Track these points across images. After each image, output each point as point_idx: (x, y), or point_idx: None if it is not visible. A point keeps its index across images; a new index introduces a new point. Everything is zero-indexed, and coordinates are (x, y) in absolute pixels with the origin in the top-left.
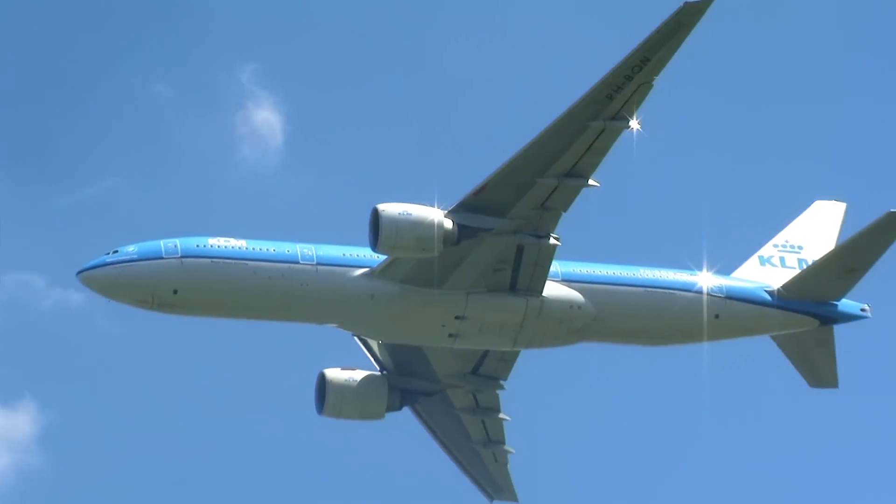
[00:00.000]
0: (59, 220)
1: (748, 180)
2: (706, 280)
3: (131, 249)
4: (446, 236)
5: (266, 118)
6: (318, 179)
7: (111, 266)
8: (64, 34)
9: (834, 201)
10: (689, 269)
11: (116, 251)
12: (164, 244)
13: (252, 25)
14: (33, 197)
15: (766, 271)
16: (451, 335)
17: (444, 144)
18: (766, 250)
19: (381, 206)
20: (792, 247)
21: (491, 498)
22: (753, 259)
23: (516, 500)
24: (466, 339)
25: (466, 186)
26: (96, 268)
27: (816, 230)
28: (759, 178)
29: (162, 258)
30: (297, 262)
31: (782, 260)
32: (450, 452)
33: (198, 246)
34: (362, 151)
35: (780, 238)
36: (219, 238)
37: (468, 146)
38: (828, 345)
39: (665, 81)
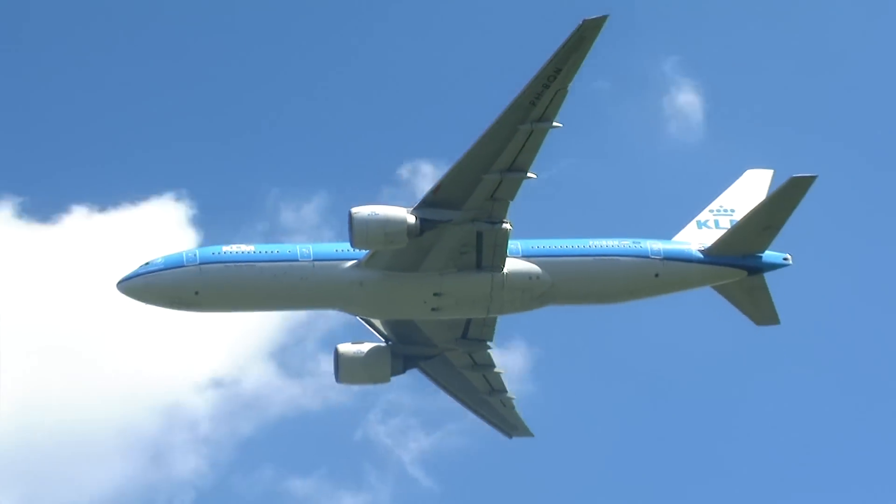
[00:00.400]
0: (538, 195)
1: (688, 154)
2: (646, 245)
3: (159, 261)
4: (409, 230)
5: (688, 100)
6: (737, 149)
7: (142, 276)
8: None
9: (762, 169)
10: (634, 237)
11: (147, 263)
12: (185, 254)
13: (671, 23)
14: None
15: (702, 234)
16: (433, 309)
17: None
18: (703, 215)
19: (354, 210)
20: (725, 210)
21: (509, 435)
22: (692, 224)
23: (532, 434)
24: (447, 311)
25: None
26: (131, 278)
27: (747, 195)
28: (697, 151)
29: (183, 266)
30: (297, 260)
31: (716, 223)
32: (462, 402)
33: (213, 253)
34: (770, 123)
35: (715, 204)
36: (231, 245)
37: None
38: (762, 290)
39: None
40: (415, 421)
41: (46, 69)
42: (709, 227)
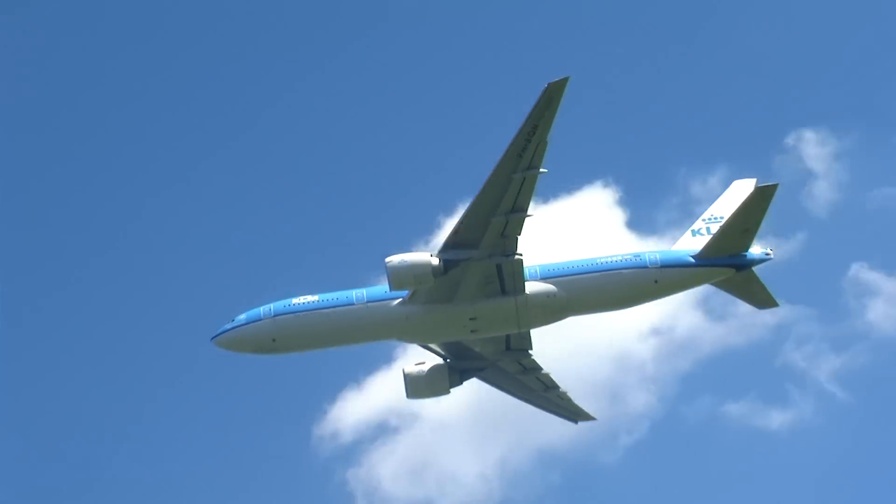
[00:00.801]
0: None
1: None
2: (644, 256)
3: (242, 317)
4: (434, 270)
5: None
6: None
7: (230, 331)
8: None
9: (746, 179)
10: (635, 252)
11: (233, 319)
12: (262, 309)
13: None
14: None
15: (697, 240)
16: (472, 331)
17: None
18: (697, 224)
19: (387, 259)
20: (715, 219)
21: (575, 421)
22: (687, 233)
23: (594, 418)
24: (484, 332)
25: None
26: (221, 334)
27: (733, 203)
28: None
29: (261, 319)
30: (353, 304)
31: (708, 230)
32: (526, 400)
33: (285, 306)
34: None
35: (707, 213)
36: (300, 297)
37: None
38: (754, 281)
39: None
40: (825, 345)
41: None
42: (702, 235)
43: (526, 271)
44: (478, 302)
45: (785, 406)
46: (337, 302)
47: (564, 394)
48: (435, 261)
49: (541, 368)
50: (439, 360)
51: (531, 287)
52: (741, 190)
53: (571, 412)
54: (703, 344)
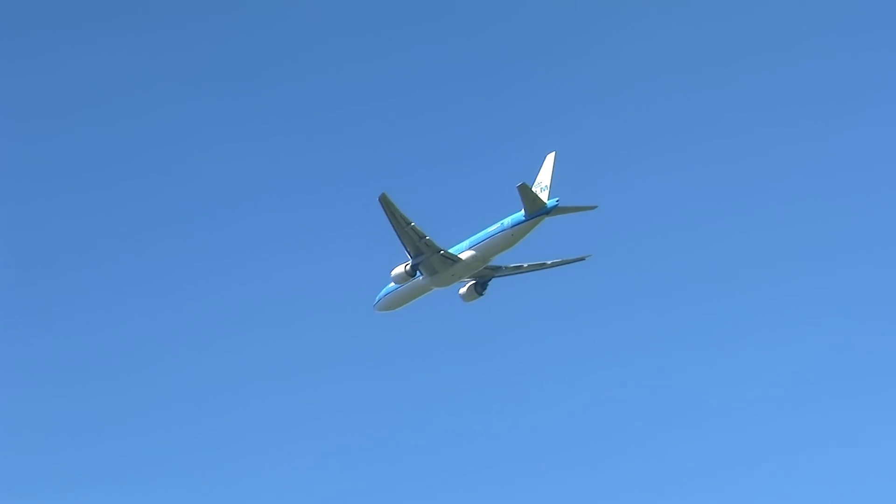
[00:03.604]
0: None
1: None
2: (507, 221)
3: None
4: (408, 272)
5: None
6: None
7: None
8: None
9: (552, 152)
10: (501, 220)
11: (377, 298)
12: (382, 292)
13: None
14: None
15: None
16: (456, 277)
17: None
18: (535, 188)
19: (392, 272)
20: (543, 188)
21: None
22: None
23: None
24: (459, 277)
25: None
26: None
27: (550, 170)
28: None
29: (381, 297)
30: (408, 284)
31: (542, 190)
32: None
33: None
34: None
35: (537, 180)
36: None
37: None
38: (561, 210)
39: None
40: None
41: None
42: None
43: (462, 245)
44: (448, 269)
45: None
46: (396, 287)
47: (554, 263)
48: (407, 267)
49: (523, 265)
50: (471, 282)
51: (464, 255)
52: (550, 159)
53: (570, 261)
54: None
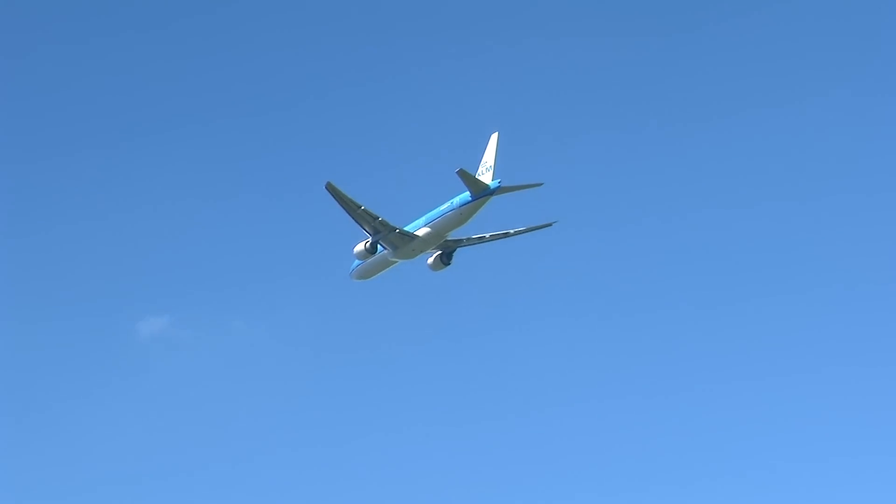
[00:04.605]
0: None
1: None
2: (456, 200)
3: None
4: (368, 249)
5: None
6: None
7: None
8: None
9: (496, 133)
10: (451, 199)
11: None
12: (353, 264)
13: None
14: None
15: (482, 178)
16: (418, 251)
17: None
18: (479, 170)
19: (354, 249)
20: (488, 168)
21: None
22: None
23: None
24: (420, 251)
25: None
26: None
27: (494, 150)
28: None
29: (354, 268)
30: (377, 255)
31: (487, 170)
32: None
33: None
34: None
35: (482, 161)
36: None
37: None
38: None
39: None
40: None
41: None
42: (482, 174)
43: (419, 221)
44: (407, 245)
45: None
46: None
47: (516, 231)
48: (367, 244)
49: (485, 236)
50: (437, 253)
51: (420, 232)
52: (494, 139)
53: (536, 228)
54: None
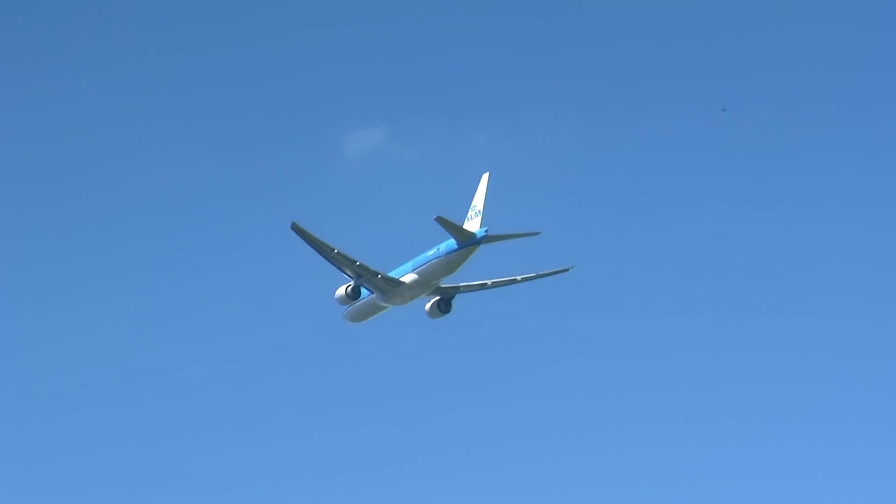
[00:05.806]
0: None
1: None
2: (442, 247)
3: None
4: (349, 294)
5: None
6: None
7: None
8: None
9: (487, 173)
10: (437, 245)
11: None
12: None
13: None
14: None
15: (470, 223)
16: (402, 297)
17: None
18: (469, 213)
19: (336, 293)
20: (477, 213)
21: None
22: (466, 220)
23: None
24: (410, 297)
25: None
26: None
27: (484, 192)
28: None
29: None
30: (364, 300)
31: (476, 214)
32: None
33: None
34: None
35: (472, 205)
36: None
37: None
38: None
39: None
40: None
41: None
42: (470, 219)
43: (406, 266)
44: (394, 290)
45: None
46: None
47: (524, 278)
48: (348, 289)
49: (486, 284)
50: (434, 299)
51: (406, 278)
52: (485, 180)
53: (550, 274)
54: None
